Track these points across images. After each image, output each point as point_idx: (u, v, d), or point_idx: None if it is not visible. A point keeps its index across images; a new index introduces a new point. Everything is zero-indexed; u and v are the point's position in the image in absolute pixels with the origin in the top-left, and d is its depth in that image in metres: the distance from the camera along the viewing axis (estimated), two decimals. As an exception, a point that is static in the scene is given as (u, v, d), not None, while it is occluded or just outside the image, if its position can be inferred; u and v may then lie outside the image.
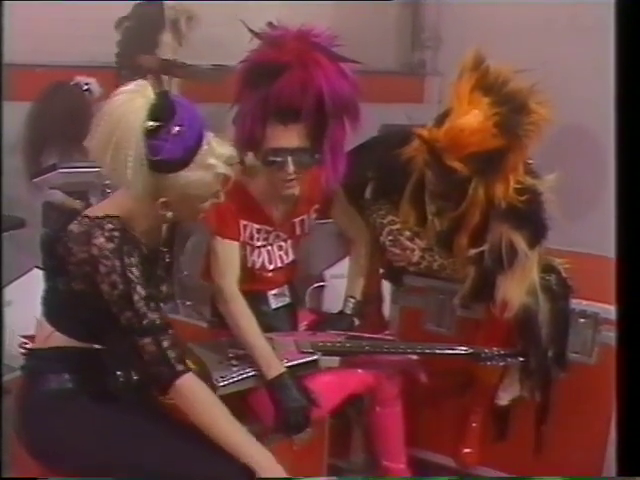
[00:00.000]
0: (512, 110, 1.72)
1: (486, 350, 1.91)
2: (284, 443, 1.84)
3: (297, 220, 1.97)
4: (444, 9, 4.33)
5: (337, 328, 1.97)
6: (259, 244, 1.90)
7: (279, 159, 1.73)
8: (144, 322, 1.41)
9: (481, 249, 1.90)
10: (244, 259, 1.88)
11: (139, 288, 1.40)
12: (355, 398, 1.98)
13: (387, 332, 2.08)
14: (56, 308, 1.52)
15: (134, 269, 1.40)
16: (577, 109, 2.86)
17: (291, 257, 2.00)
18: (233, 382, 1.64)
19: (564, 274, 2.02)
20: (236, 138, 1.74)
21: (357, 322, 2.05)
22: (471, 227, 1.89)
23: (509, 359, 1.94)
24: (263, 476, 1.42)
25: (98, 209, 1.48)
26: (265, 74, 1.72)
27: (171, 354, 1.42)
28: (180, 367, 1.43)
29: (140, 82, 1.40)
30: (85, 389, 1.48)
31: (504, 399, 2.06)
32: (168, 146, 1.36)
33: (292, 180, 1.76)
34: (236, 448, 1.42)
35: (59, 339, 1.50)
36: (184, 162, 1.39)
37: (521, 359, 1.95)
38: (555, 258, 2.06)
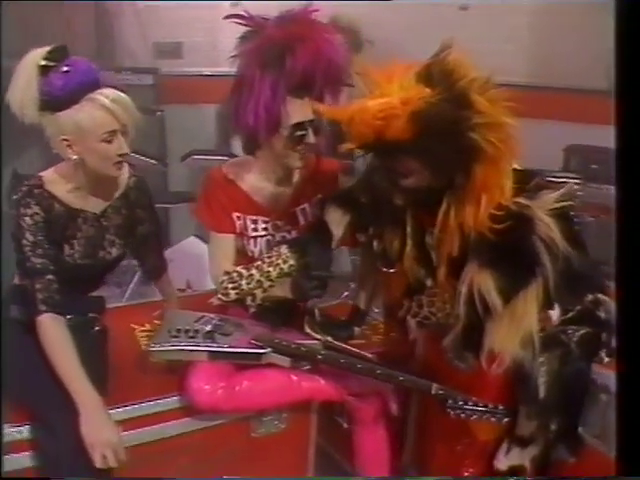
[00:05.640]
0: (447, 100, 1.43)
1: (458, 397, 1.64)
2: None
3: (298, 209, 1.96)
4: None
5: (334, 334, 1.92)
6: (254, 234, 1.93)
7: (303, 132, 1.78)
8: (27, 264, 1.65)
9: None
10: (243, 249, 1.95)
11: (28, 234, 1.65)
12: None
13: (372, 351, 1.91)
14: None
15: (27, 218, 1.65)
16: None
17: None
18: (162, 350, 1.75)
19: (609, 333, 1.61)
20: (248, 126, 1.77)
21: (357, 331, 1.98)
22: (447, 258, 1.61)
23: (486, 416, 1.64)
24: (82, 410, 1.57)
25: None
26: (275, 55, 1.73)
27: (39, 295, 1.64)
28: (42, 307, 1.63)
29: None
30: (23, 319, 1.75)
31: (504, 464, 1.74)
32: (57, 82, 1.58)
33: (304, 152, 1.82)
34: (68, 383, 1.59)
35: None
36: (72, 99, 1.60)
37: (505, 420, 1.64)
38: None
